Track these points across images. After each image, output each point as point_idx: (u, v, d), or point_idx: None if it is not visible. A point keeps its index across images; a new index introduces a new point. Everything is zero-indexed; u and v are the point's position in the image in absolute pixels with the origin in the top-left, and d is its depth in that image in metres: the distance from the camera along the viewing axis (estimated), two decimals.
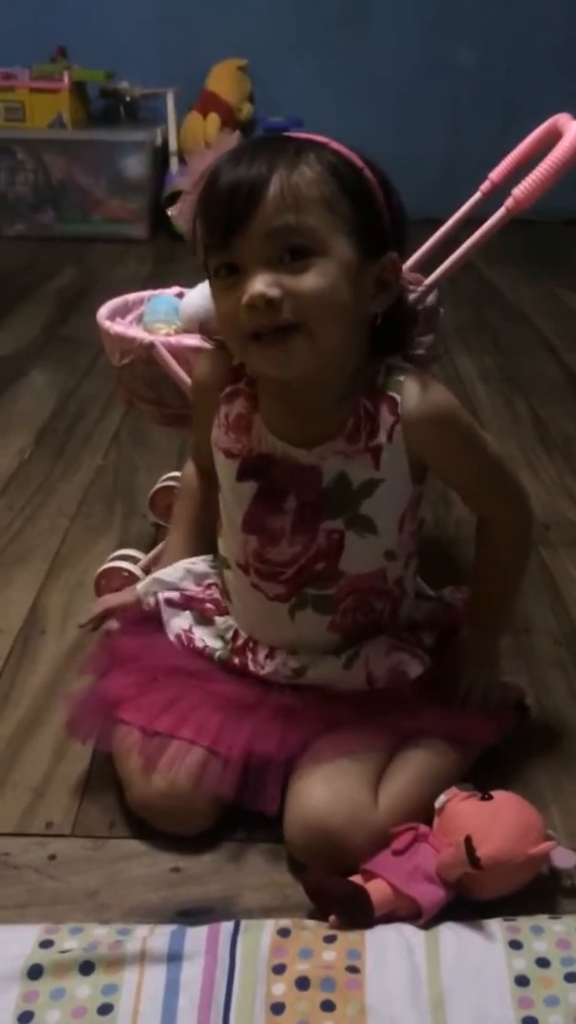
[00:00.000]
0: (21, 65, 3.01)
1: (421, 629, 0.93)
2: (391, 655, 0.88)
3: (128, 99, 3.15)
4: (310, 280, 0.75)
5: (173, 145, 3.10)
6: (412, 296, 1.03)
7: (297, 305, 0.75)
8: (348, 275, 0.77)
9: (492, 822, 0.77)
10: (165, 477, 1.35)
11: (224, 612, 0.95)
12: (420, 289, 1.04)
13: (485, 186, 1.12)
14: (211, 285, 0.81)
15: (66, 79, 2.99)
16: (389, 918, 0.75)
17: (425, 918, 0.74)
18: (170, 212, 0.79)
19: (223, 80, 3.14)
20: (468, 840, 0.73)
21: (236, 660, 0.91)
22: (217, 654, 0.92)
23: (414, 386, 0.83)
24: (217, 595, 0.96)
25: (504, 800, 0.81)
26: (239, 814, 0.85)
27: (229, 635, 0.93)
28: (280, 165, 0.75)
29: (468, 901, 0.76)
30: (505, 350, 2.20)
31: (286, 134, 0.81)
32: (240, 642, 0.92)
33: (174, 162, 3.11)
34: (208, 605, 0.95)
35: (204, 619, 0.95)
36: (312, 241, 0.75)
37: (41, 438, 1.69)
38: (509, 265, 2.78)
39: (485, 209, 1.07)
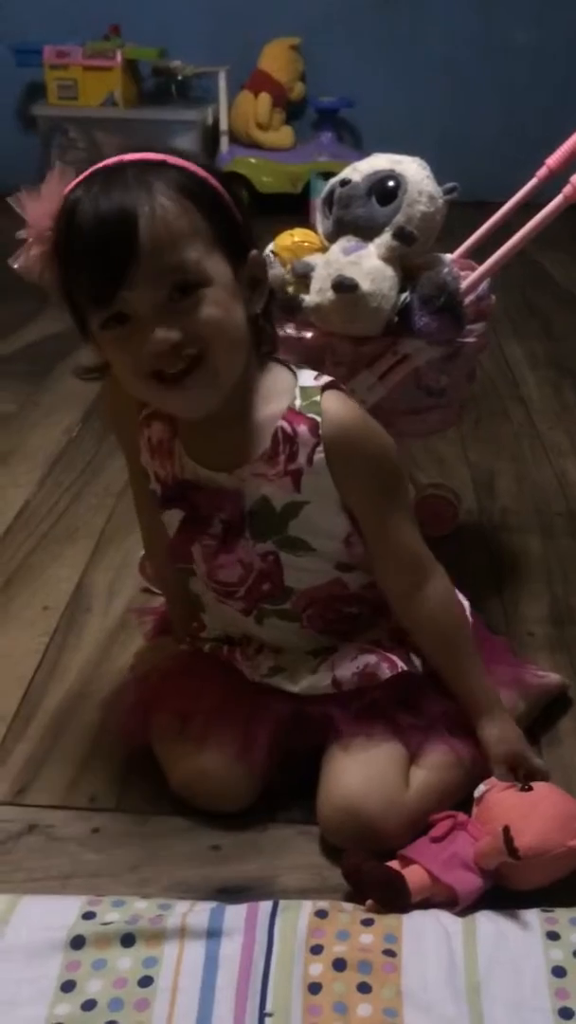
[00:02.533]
0: (75, 43, 3.01)
1: (410, 646, 0.88)
2: (358, 659, 0.86)
3: (180, 78, 3.14)
4: (204, 313, 0.73)
5: (224, 124, 3.09)
6: (464, 284, 1.02)
7: (198, 340, 0.73)
8: (231, 292, 0.76)
9: (531, 813, 0.77)
10: None
11: (203, 627, 0.94)
12: (473, 277, 1.04)
13: (542, 172, 1.11)
14: (93, 338, 0.77)
15: (119, 57, 2.99)
16: (425, 904, 0.75)
17: (461, 906, 0.75)
18: (15, 265, 0.73)
19: (275, 59, 3.12)
20: (507, 829, 0.73)
21: (225, 651, 0.91)
22: (208, 646, 0.93)
23: (334, 405, 0.81)
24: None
25: (544, 791, 0.81)
26: (277, 794, 0.86)
27: (216, 637, 0.93)
28: (140, 201, 0.71)
29: (505, 892, 0.76)
30: (555, 336, 2.17)
31: (121, 159, 0.75)
32: (228, 647, 0.92)
33: (224, 142, 3.10)
34: (194, 624, 0.95)
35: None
36: (195, 274, 0.73)
37: (88, 417, 1.70)
38: (560, 249, 2.73)
39: (540, 194, 1.05)
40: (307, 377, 0.82)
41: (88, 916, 0.73)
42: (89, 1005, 0.67)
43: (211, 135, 3.12)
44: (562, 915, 0.74)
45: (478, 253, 1.10)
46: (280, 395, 0.81)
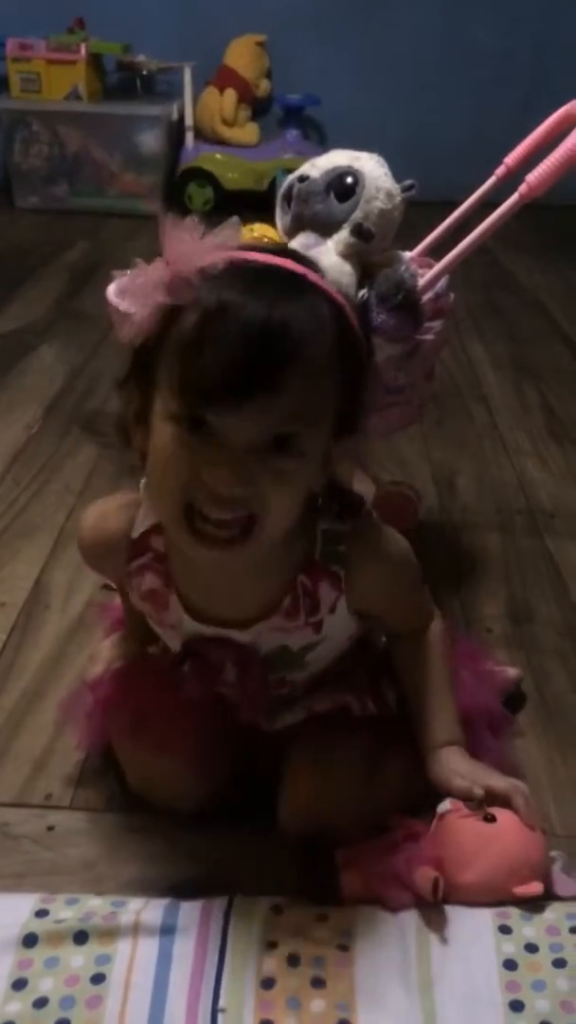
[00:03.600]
0: (38, 35, 2.98)
1: (385, 685, 0.88)
2: (333, 695, 0.85)
3: (145, 73, 3.12)
4: (286, 489, 0.65)
5: (189, 120, 3.07)
6: (422, 281, 1.03)
7: (260, 506, 0.65)
8: (314, 472, 0.68)
9: (483, 850, 0.75)
10: None
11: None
12: (430, 274, 1.04)
13: (500, 171, 1.12)
14: (155, 415, 0.67)
15: (83, 51, 2.96)
16: (359, 903, 0.75)
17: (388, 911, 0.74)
18: (114, 284, 0.59)
19: (241, 56, 3.12)
20: (436, 880, 0.72)
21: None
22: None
23: (357, 555, 0.76)
24: None
25: (506, 825, 0.76)
26: (236, 792, 0.86)
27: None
28: (310, 334, 0.62)
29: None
30: (518, 337, 2.18)
31: (297, 271, 0.65)
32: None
33: (190, 137, 3.09)
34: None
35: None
36: (307, 438, 0.64)
37: (49, 413, 1.69)
38: (525, 251, 2.76)
39: (502, 193, 1.06)
40: (329, 515, 0.75)
41: (41, 914, 0.72)
42: (41, 1003, 0.66)
43: (176, 131, 3.11)
44: (514, 910, 0.74)
45: (438, 251, 1.11)
46: (299, 538, 0.74)
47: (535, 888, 0.74)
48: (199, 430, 0.64)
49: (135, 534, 0.78)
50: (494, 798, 0.78)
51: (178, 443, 0.65)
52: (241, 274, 0.63)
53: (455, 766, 0.82)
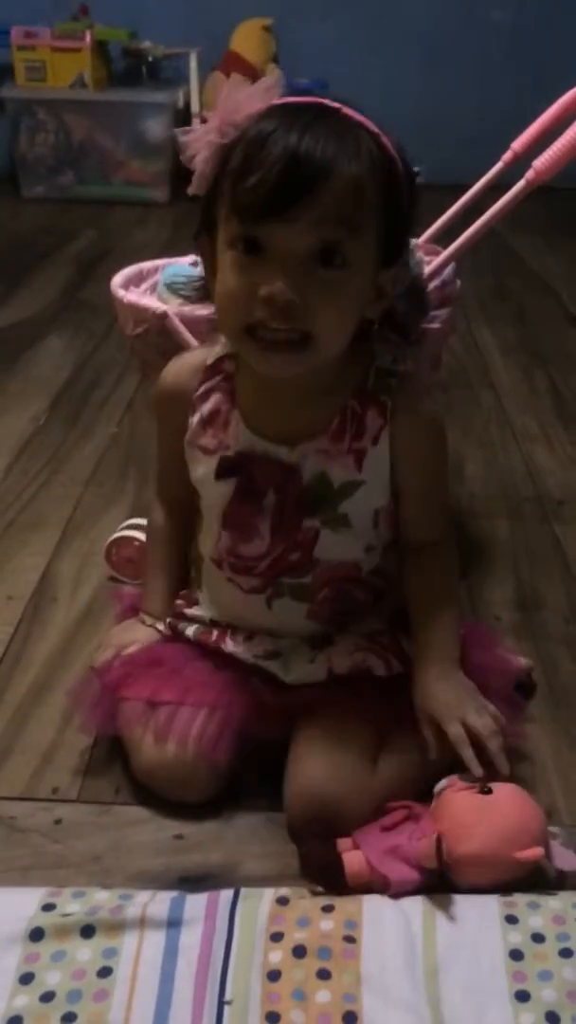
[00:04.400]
0: (43, 24, 2.97)
1: (401, 631, 0.89)
2: (355, 654, 0.87)
3: (150, 59, 3.10)
4: (332, 302, 0.72)
5: (196, 106, 3.06)
6: (428, 269, 1.02)
7: (313, 320, 0.72)
8: (364, 289, 0.75)
9: (482, 819, 0.75)
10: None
11: (194, 603, 0.94)
12: (437, 262, 1.03)
13: (507, 156, 1.11)
14: (219, 251, 0.76)
15: (88, 38, 2.95)
16: (364, 889, 0.75)
17: (393, 894, 0.74)
18: (182, 136, 0.70)
19: (247, 40, 3.09)
20: (439, 839, 0.73)
21: (214, 636, 0.91)
22: (192, 628, 0.92)
23: (405, 391, 0.82)
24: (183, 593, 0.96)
25: (503, 796, 0.77)
26: (242, 783, 0.86)
27: (208, 619, 0.92)
28: (343, 151, 0.69)
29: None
30: (527, 321, 2.17)
31: (333, 105, 0.74)
32: (217, 630, 0.91)
33: (196, 124, 3.07)
34: (178, 601, 0.95)
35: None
36: (350, 249, 0.71)
37: (56, 404, 1.69)
38: (533, 234, 2.73)
39: (511, 176, 1.05)
40: (384, 359, 0.83)
41: (48, 908, 0.73)
42: (47, 997, 0.66)
43: (182, 117, 3.09)
44: (520, 899, 0.74)
45: (446, 237, 1.10)
46: (354, 373, 0.82)
47: (536, 852, 0.74)
48: (253, 252, 0.71)
49: (210, 361, 0.86)
50: (468, 734, 0.79)
51: (236, 267, 0.73)
52: (279, 109, 0.72)
53: (438, 694, 0.82)
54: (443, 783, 0.80)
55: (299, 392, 0.80)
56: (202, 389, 0.86)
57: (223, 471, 0.84)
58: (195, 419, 0.86)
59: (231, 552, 0.87)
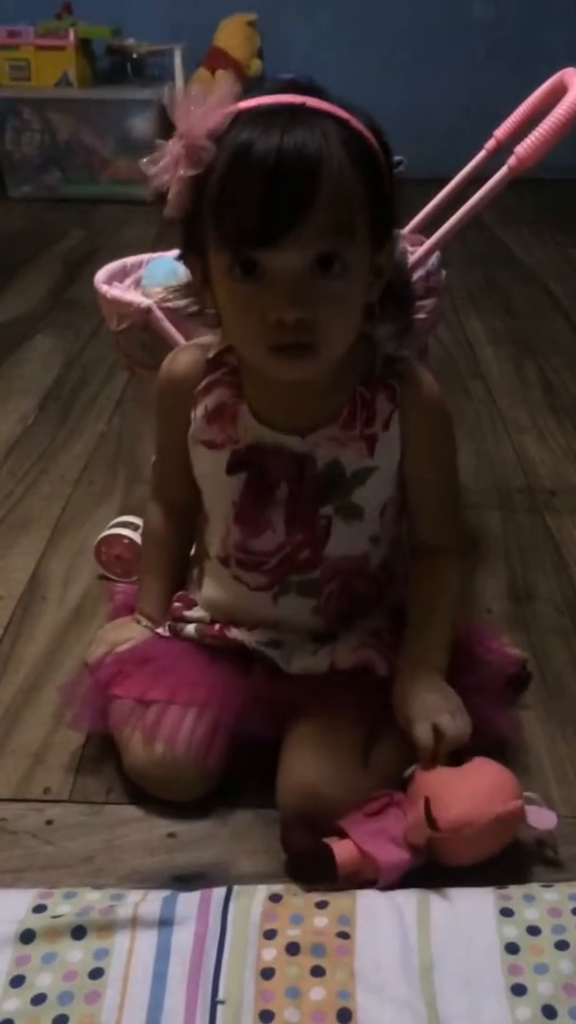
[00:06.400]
0: (26, 22, 2.96)
1: (404, 628, 0.88)
2: (359, 651, 0.86)
3: (135, 56, 3.09)
4: (341, 305, 0.72)
5: None
6: (412, 259, 1.01)
7: (322, 328, 0.72)
8: (362, 283, 0.74)
9: (458, 784, 0.77)
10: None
11: (192, 604, 0.94)
12: (420, 252, 1.03)
13: (490, 144, 1.10)
14: (213, 274, 0.75)
15: (72, 36, 2.94)
16: (355, 879, 0.75)
17: (384, 880, 0.74)
18: (148, 167, 0.66)
19: (232, 36, 3.08)
20: (427, 800, 0.73)
21: (216, 627, 0.90)
22: (192, 627, 0.91)
23: (413, 375, 0.83)
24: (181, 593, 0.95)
25: (474, 764, 0.79)
26: (235, 781, 0.86)
27: (208, 619, 0.92)
28: (321, 157, 0.67)
29: (458, 869, 0.76)
30: (516, 313, 2.16)
31: (298, 99, 0.71)
32: (219, 623, 0.90)
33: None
34: (175, 604, 0.94)
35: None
36: (347, 253, 0.71)
37: (45, 403, 1.68)
38: (522, 225, 2.73)
39: (494, 167, 1.04)
40: (388, 347, 0.83)
41: (38, 909, 0.72)
42: (39, 999, 0.66)
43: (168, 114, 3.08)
44: (516, 892, 0.74)
45: (430, 228, 1.09)
46: (361, 360, 0.82)
47: (517, 803, 0.75)
48: (252, 275, 0.70)
49: (211, 354, 0.85)
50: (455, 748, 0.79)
51: (238, 293, 0.72)
52: (245, 122, 0.70)
53: (417, 692, 0.81)
54: (412, 768, 0.80)
55: (308, 384, 0.80)
56: (204, 383, 0.85)
57: (235, 465, 0.84)
58: (198, 413, 0.85)
59: (241, 548, 0.86)
